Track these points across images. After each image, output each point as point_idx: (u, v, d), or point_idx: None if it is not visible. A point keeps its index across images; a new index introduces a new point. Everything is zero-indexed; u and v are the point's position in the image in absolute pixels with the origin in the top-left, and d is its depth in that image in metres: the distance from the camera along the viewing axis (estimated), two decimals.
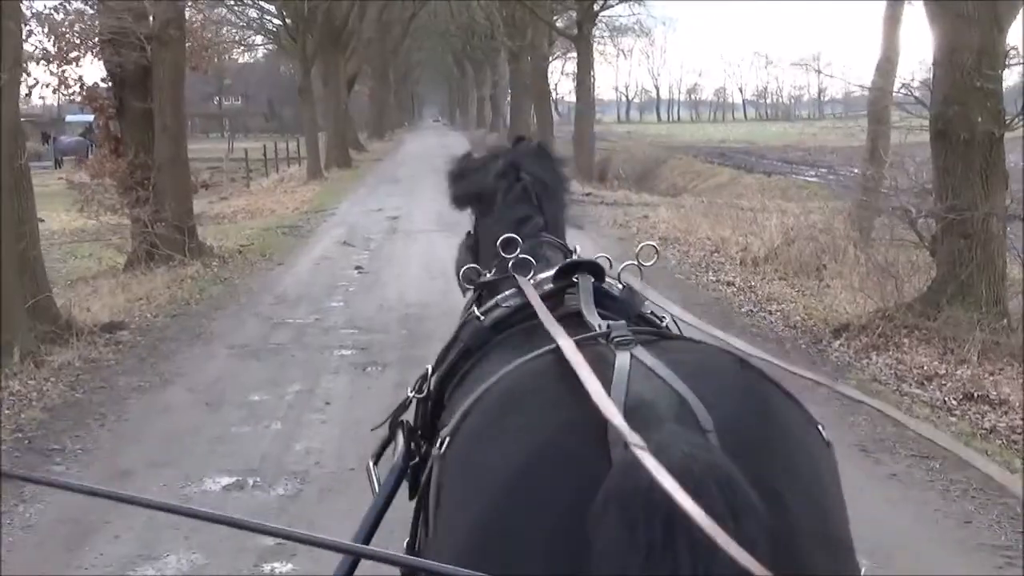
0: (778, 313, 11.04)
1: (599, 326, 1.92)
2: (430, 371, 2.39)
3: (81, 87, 15.16)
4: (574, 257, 2.57)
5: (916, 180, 11.51)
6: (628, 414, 1.50)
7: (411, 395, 2.42)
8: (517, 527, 1.51)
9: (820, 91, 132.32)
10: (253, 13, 45.32)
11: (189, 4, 15.77)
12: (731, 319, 10.70)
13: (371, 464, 2.48)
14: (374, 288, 12.63)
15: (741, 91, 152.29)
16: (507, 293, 2.35)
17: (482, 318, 2.29)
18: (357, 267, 14.36)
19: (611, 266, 2.35)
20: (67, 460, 6.46)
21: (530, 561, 1.48)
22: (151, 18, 14.34)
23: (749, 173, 35.37)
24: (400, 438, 2.32)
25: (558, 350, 1.76)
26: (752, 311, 11.28)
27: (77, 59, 15.30)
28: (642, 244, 2.66)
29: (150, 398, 7.90)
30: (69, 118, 68.86)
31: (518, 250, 2.52)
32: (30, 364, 8.60)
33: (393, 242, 17.55)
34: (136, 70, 14.66)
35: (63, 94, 15.30)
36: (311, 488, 5.91)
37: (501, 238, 2.57)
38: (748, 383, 1.72)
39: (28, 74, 11.07)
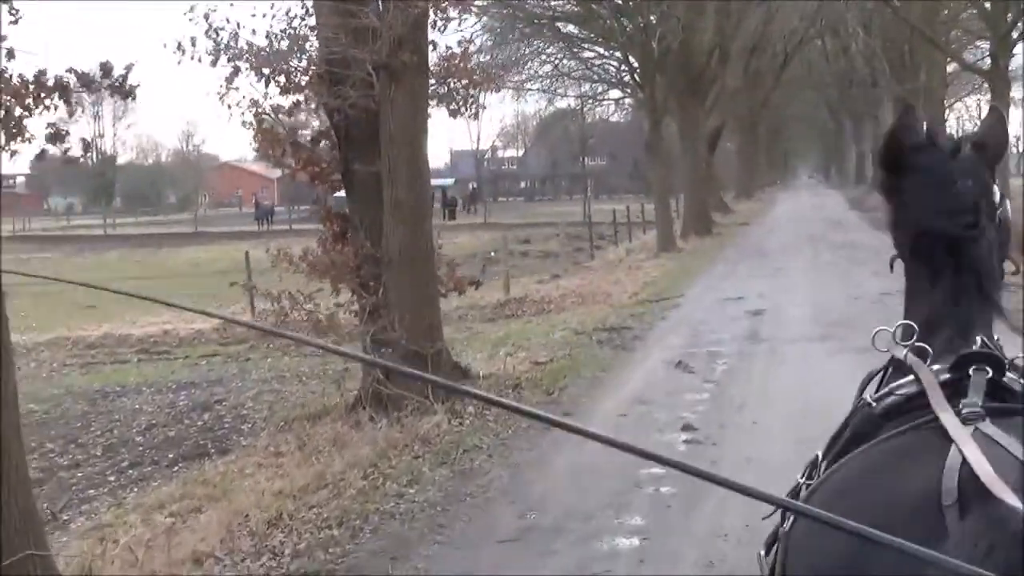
0: None
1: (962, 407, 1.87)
2: (819, 457, 2.24)
3: (294, 146, 10.48)
4: (975, 348, 2.14)
5: None
6: (962, 482, 1.60)
7: (801, 482, 2.26)
8: None
9: None
10: (611, 66, 41.24)
11: (442, 15, 10.67)
12: None
13: (761, 553, 2.31)
14: (705, 494, 6.79)
15: None
16: (902, 381, 2.13)
17: (874, 404, 2.14)
18: (685, 427, 8.61)
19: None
20: None
21: None
22: (371, 38, 9.42)
23: None
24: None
25: (908, 432, 1.89)
26: None
27: (297, 106, 10.73)
28: None
29: None
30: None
31: (914, 338, 2.19)
32: None
33: (751, 363, 11.68)
34: (362, 119, 9.86)
35: (269, 155, 10.65)
36: None
37: (900, 325, 2.25)
38: None
39: None
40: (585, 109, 62.34)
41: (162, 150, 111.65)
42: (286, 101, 10.51)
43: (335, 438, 9.00)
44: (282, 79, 10.47)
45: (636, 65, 32.23)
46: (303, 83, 10.48)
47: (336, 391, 10.46)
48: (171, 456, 10.07)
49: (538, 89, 43.87)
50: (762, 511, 5.84)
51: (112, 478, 9.56)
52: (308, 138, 10.70)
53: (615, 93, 48.46)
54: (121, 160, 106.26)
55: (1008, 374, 2.05)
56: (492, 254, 28.43)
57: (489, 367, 11.52)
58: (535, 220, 52.75)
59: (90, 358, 17.02)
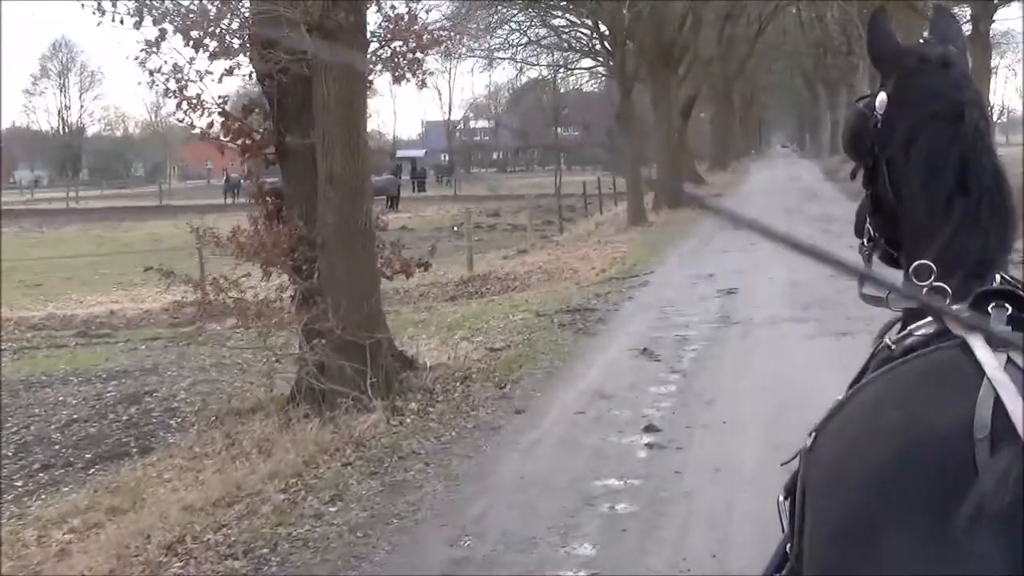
0: None
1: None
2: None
3: (223, 116, 9.54)
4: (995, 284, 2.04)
5: None
6: (995, 416, 1.57)
7: None
8: (877, 530, 1.56)
9: None
10: (582, 34, 40.26)
11: None
12: None
13: (781, 498, 2.19)
14: (665, 516, 5.98)
15: None
16: (921, 322, 2.02)
17: (893, 347, 2.04)
18: (648, 427, 7.78)
19: None
20: None
21: (888, 564, 1.54)
22: None
23: None
24: None
25: (929, 354, 1.84)
26: None
27: (230, 72, 9.77)
28: None
29: None
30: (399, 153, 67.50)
31: (932, 278, 2.05)
32: None
33: (722, 348, 10.88)
34: (297, 86, 8.96)
35: (193, 126, 9.68)
36: None
37: (915, 264, 2.07)
38: None
39: None
40: (557, 79, 61.39)
41: (130, 122, 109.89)
42: (216, 67, 9.56)
43: (262, 440, 8.16)
44: (213, 43, 9.54)
45: (606, 32, 31.30)
46: (236, 46, 9.55)
47: (267, 384, 9.59)
48: (88, 457, 9.19)
49: (508, 59, 42.90)
50: (735, 540, 4.87)
51: (19, 483, 8.66)
52: (245, 109, 9.74)
53: (587, 62, 47.54)
54: (89, 132, 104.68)
55: None
56: (456, 228, 27.55)
57: (440, 355, 10.66)
58: (506, 192, 51.78)
59: (26, 342, 16.04)
